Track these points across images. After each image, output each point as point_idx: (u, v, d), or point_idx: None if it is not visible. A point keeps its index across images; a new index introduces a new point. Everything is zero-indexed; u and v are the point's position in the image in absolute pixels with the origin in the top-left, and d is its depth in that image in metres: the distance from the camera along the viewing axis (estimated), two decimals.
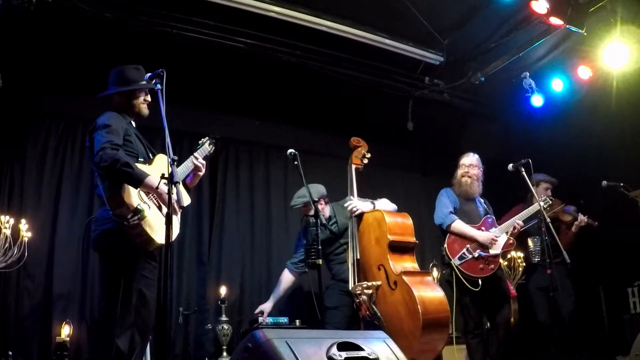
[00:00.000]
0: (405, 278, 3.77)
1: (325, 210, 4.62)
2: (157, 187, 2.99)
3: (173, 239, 3.05)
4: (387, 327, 3.58)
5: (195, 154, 3.47)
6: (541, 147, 5.54)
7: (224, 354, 4.76)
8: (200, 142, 3.60)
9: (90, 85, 3.62)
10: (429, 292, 3.82)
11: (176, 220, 3.16)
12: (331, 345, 2.40)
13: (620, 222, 5.36)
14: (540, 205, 4.32)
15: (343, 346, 2.44)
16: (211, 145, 3.62)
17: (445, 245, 4.38)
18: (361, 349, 2.48)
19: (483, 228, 4.42)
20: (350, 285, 3.94)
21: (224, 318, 4.88)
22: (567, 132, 5.86)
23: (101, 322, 3.05)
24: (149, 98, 3.41)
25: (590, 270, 5.53)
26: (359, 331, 3.66)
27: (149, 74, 3.08)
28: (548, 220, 4.28)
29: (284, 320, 4.91)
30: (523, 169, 4.42)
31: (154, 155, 3.34)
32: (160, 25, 4.52)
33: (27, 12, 3.99)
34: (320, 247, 3.83)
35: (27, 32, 4.31)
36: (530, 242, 5.27)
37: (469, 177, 4.55)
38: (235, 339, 4.87)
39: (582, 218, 5.30)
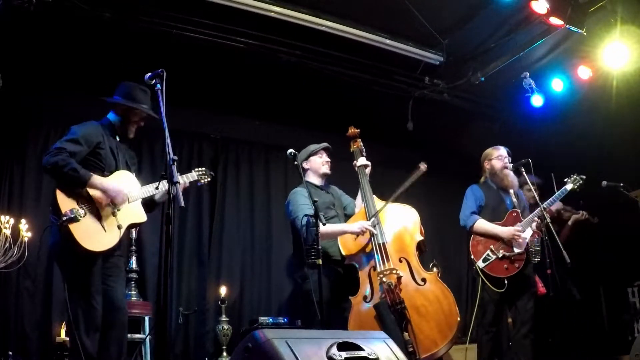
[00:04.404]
0: (437, 278, 3.82)
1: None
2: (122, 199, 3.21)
3: (107, 249, 3.19)
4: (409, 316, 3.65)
5: (184, 176, 3.58)
6: (541, 147, 5.54)
7: (224, 354, 4.78)
8: (198, 169, 3.72)
9: (90, 85, 3.63)
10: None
11: (116, 231, 3.22)
12: (331, 345, 2.39)
13: (620, 222, 5.37)
14: (541, 207, 4.29)
15: (343, 346, 2.43)
16: (203, 178, 3.71)
17: (470, 248, 4.35)
18: (361, 349, 2.47)
19: (507, 224, 4.32)
20: (379, 268, 3.87)
21: (224, 318, 4.89)
22: (567, 132, 5.86)
23: (71, 326, 3.15)
24: (142, 123, 3.53)
25: (591, 270, 5.53)
26: (359, 331, 3.65)
27: (148, 74, 3.08)
28: (548, 220, 4.27)
29: (283, 320, 4.91)
30: (523, 169, 4.41)
31: (129, 170, 3.46)
32: (160, 25, 4.52)
33: (27, 12, 3.99)
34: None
35: (27, 32, 4.31)
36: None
37: (509, 168, 4.47)
38: (235, 339, 4.87)
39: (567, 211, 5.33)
